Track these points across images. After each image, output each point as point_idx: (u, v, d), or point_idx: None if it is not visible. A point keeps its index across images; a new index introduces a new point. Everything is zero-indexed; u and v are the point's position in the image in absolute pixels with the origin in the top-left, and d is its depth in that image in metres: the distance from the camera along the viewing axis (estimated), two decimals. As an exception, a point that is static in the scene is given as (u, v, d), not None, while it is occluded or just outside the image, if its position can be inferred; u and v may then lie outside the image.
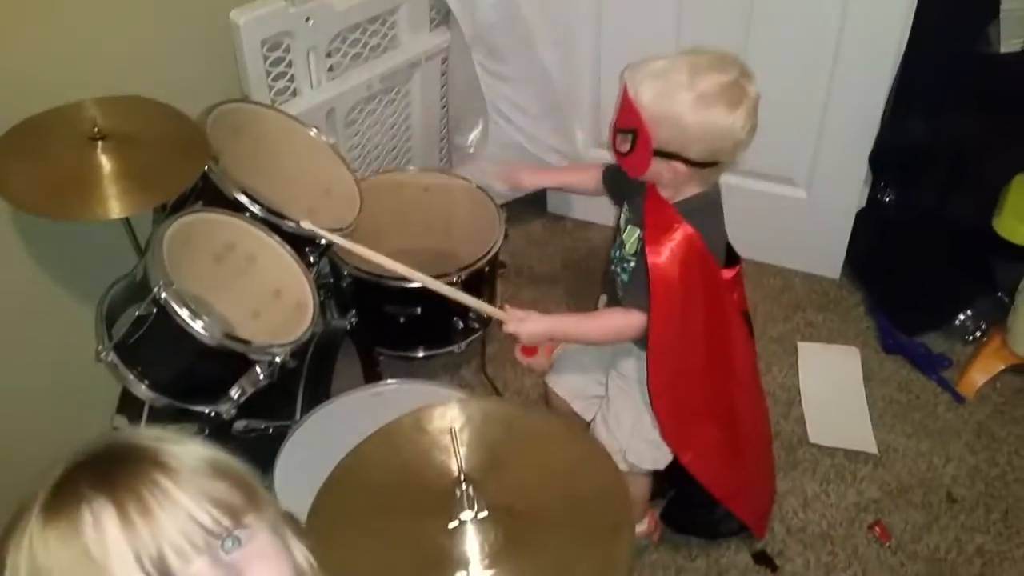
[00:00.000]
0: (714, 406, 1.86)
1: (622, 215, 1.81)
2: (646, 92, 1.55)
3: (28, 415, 2.01)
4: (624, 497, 1.37)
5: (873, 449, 2.37)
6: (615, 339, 1.83)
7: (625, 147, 1.62)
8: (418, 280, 1.80)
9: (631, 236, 1.74)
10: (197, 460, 0.80)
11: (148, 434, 0.82)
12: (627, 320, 1.72)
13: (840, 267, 2.90)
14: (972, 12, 2.31)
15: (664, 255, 1.62)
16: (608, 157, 1.80)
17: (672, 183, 1.65)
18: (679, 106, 1.53)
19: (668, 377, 1.76)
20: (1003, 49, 2.32)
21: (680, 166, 1.59)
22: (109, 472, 0.76)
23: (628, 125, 1.59)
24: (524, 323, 1.74)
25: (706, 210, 1.68)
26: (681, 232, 1.62)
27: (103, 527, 0.72)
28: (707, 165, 1.60)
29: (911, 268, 2.72)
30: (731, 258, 1.76)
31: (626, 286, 1.78)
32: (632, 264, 1.75)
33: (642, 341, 1.74)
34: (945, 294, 2.69)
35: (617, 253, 1.81)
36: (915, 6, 2.31)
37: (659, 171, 1.62)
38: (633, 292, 1.73)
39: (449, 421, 1.37)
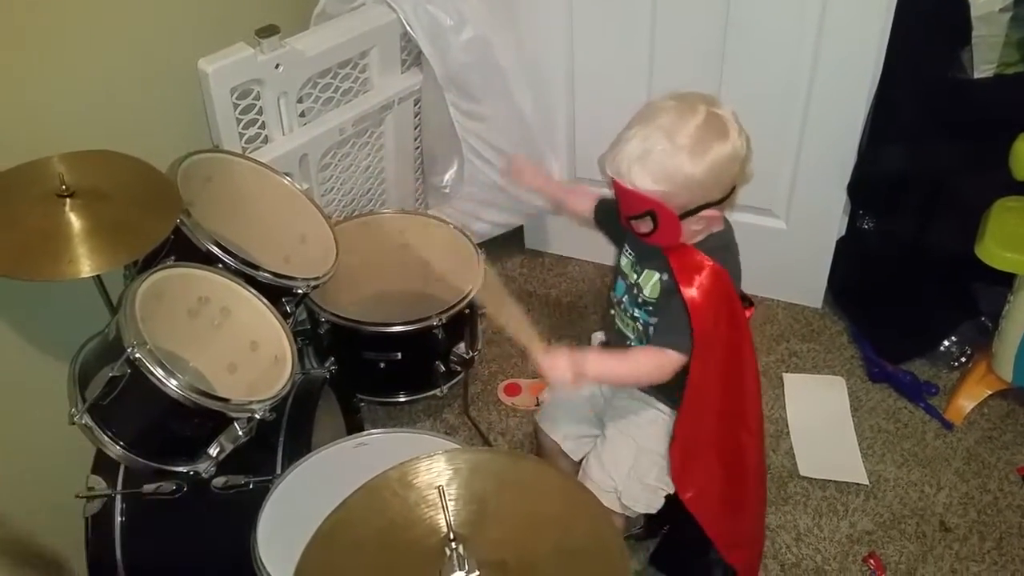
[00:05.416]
0: (723, 448, 1.82)
1: (624, 257, 1.79)
2: (642, 177, 1.54)
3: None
4: (620, 546, 1.34)
5: (864, 480, 2.35)
6: (646, 381, 1.79)
7: (647, 227, 1.59)
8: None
9: (649, 280, 1.71)
10: None
11: None
12: (660, 360, 1.66)
13: (822, 296, 2.90)
14: (945, 39, 2.32)
15: (700, 293, 1.60)
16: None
17: (703, 231, 1.65)
18: (681, 168, 1.53)
19: (694, 414, 1.74)
20: (976, 75, 2.33)
21: (710, 211, 1.59)
22: None
23: (641, 210, 1.57)
24: (550, 355, 1.64)
25: (727, 248, 1.68)
26: (711, 269, 1.61)
27: None
28: (729, 195, 1.61)
29: (894, 295, 2.72)
30: (743, 299, 1.74)
31: (658, 327, 1.73)
32: (655, 306, 1.72)
33: (661, 384, 1.71)
34: (928, 321, 2.68)
35: (627, 297, 1.79)
36: (888, 35, 2.32)
37: (689, 227, 1.61)
38: (666, 332, 1.68)
39: (436, 475, 1.34)
